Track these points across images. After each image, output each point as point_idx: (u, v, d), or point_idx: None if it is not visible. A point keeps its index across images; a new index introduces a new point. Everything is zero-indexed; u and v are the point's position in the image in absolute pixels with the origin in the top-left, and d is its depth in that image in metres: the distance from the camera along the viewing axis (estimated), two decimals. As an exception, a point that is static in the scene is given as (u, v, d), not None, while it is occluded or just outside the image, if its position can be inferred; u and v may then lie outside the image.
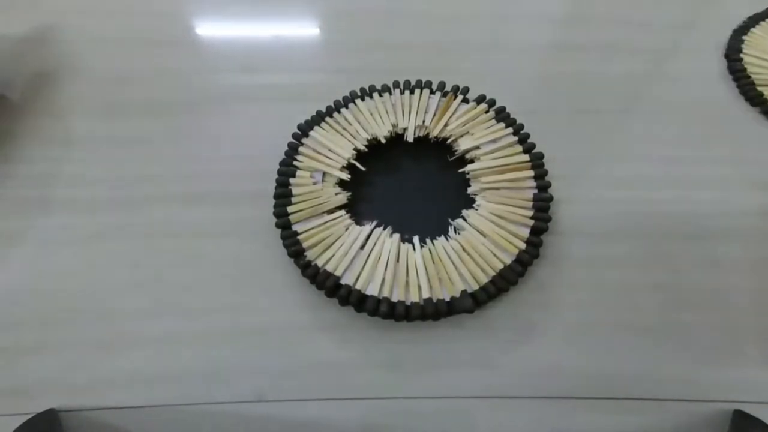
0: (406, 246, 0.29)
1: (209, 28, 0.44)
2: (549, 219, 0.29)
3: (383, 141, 0.33)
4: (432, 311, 0.27)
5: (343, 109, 0.34)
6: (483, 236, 0.28)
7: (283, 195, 0.31)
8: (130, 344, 0.30)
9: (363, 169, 0.32)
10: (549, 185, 0.30)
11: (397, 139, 0.33)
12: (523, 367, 0.30)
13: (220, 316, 0.31)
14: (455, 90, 0.34)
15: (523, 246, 0.28)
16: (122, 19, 0.43)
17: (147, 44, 0.42)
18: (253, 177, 0.34)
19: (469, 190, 0.30)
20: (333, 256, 0.29)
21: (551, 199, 0.30)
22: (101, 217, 0.34)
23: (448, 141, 0.33)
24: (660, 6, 0.45)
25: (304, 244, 0.29)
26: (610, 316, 0.32)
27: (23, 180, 0.35)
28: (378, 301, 0.27)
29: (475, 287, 0.28)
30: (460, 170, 0.32)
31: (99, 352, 0.30)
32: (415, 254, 0.28)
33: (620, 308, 0.32)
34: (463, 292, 0.27)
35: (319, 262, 0.28)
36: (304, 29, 0.44)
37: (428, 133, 0.33)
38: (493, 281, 0.28)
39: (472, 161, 0.31)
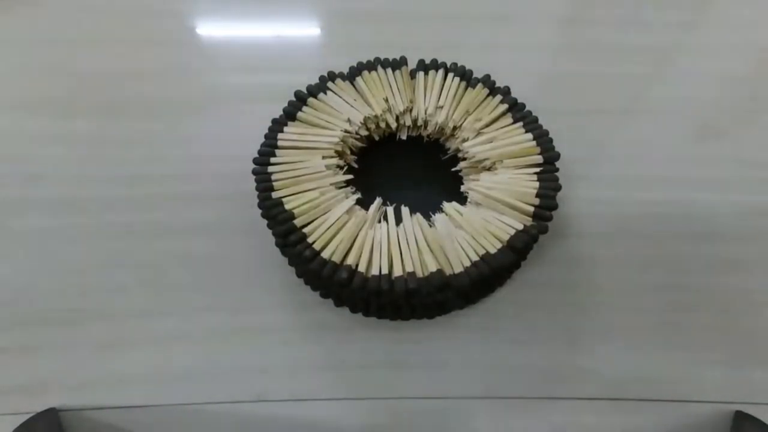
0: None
1: (209, 28, 0.44)
2: (549, 218, 0.28)
3: (376, 138, 0.33)
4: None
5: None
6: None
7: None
8: (130, 344, 0.31)
9: (356, 166, 0.32)
10: (558, 188, 0.29)
11: (389, 138, 0.33)
12: (523, 367, 0.31)
13: (220, 316, 0.32)
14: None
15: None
16: (122, 19, 0.43)
17: (146, 44, 0.42)
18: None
19: (462, 188, 0.30)
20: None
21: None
22: (101, 217, 0.34)
23: (441, 139, 0.33)
24: (663, 6, 0.45)
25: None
26: (611, 316, 0.32)
27: (22, 179, 0.36)
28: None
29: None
30: (453, 168, 0.32)
31: (99, 352, 0.31)
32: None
33: (621, 309, 0.32)
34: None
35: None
36: (305, 29, 0.44)
37: (421, 133, 0.33)
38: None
39: (464, 159, 0.31)
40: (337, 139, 0.30)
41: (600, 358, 0.31)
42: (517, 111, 0.32)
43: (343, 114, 0.31)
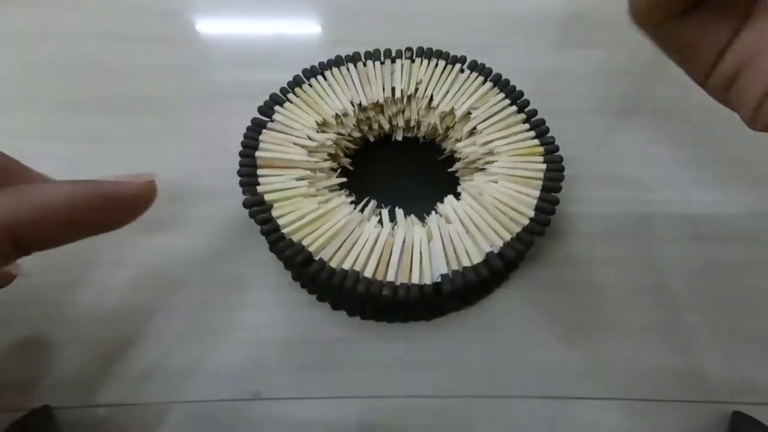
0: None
1: (207, 25, 0.44)
2: (548, 223, 0.27)
3: (371, 139, 0.33)
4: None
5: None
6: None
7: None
8: (126, 341, 0.31)
9: (351, 168, 0.32)
10: (560, 188, 0.28)
11: (384, 139, 0.33)
12: (523, 367, 0.30)
13: (217, 314, 0.32)
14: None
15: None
16: (120, 16, 0.44)
17: (146, 41, 0.42)
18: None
19: (459, 189, 0.30)
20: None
21: (557, 202, 0.28)
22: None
23: (437, 140, 0.33)
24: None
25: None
26: (609, 316, 0.31)
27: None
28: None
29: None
30: (450, 169, 0.32)
31: (94, 350, 0.31)
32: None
33: (620, 308, 0.32)
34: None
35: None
36: (304, 26, 0.45)
37: (416, 134, 0.33)
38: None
39: (459, 159, 0.31)
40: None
41: (598, 357, 0.30)
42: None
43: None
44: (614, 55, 0.42)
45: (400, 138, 0.33)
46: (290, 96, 0.31)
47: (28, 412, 0.28)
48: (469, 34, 0.43)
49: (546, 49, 0.43)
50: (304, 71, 0.32)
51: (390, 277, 0.26)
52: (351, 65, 0.32)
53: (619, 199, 0.35)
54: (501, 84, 0.31)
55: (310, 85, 0.31)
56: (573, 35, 0.44)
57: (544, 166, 0.28)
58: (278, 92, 0.31)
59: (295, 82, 0.31)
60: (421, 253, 0.26)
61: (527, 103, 0.31)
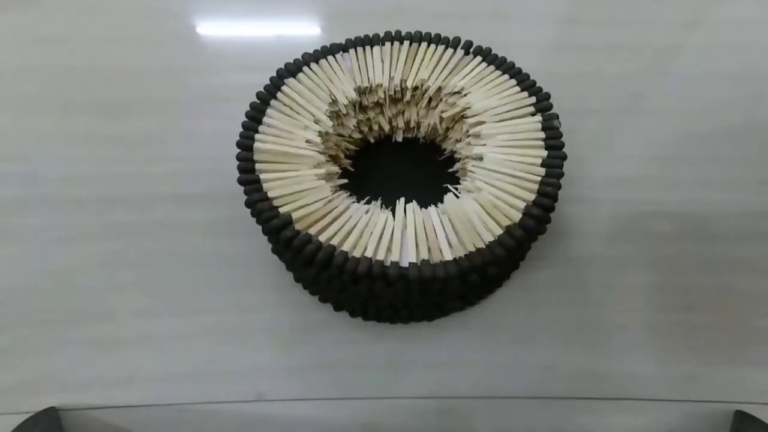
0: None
1: (209, 27, 0.44)
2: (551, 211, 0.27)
3: (372, 140, 0.33)
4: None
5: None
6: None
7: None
8: (130, 344, 0.31)
9: (351, 170, 0.32)
10: (559, 187, 0.27)
11: (384, 140, 0.33)
12: (523, 367, 0.30)
13: (220, 316, 0.32)
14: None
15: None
16: (121, 17, 0.44)
17: (146, 43, 0.43)
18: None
19: (459, 188, 0.30)
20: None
21: (559, 187, 0.27)
22: (100, 217, 0.35)
23: (437, 140, 0.33)
24: (661, 5, 0.44)
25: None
26: (610, 316, 0.32)
27: (20, 179, 0.36)
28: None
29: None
30: (450, 170, 0.32)
31: (99, 351, 0.31)
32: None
33: (620, 308, 0.32)
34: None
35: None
36: (305, 28, 0.45)
37: (416, 135, 0.33)
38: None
39: (459, 160, 0.31)
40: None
41: (599, 357, 0.31)
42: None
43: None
44: (614, 56, 0.42)
45: (400, 139, 0.33)
46: (281, 93, 0.30)
47: (33, 414, 0.28)
48: (469, 33, 0.43)
49: (546, 49, 0.43)
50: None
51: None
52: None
53: (619, 199, 0.35)
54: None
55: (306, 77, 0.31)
56: (572, 36, 0.44)
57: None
58: (270, 87, 0.31)
59: (281, 78, 0.31)
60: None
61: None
